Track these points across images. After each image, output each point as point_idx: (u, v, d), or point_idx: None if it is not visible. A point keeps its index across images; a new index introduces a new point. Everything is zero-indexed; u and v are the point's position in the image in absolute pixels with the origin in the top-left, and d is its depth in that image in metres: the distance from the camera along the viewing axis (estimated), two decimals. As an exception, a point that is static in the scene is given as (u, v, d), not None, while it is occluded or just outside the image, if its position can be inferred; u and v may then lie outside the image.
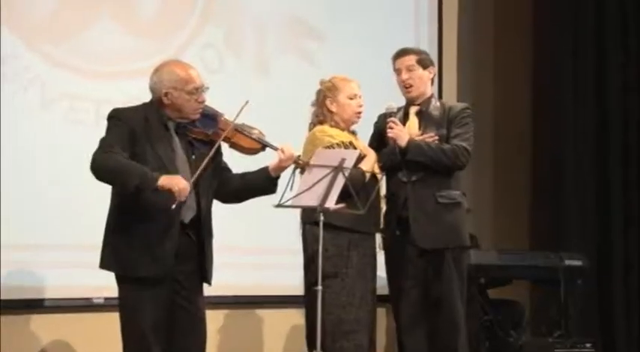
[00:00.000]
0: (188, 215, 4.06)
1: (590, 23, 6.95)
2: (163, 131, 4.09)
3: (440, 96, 6.30)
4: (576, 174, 6.83)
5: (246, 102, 4.12)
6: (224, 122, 4.19)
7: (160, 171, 3.94)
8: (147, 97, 4.18)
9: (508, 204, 7.15)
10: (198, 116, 4.14)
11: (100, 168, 3.93)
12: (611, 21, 6.93)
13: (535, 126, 7.30)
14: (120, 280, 4.07)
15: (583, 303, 6.52)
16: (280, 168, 4.26)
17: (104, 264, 4.07)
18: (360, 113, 4.80)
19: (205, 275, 4.16)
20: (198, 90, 4.11)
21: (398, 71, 4.92)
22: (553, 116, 7.02)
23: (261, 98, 5.48)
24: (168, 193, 3.87)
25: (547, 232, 6.97)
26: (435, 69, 5.04)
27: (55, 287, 5.27)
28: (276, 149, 4.26)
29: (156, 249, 3.97)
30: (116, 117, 4.05)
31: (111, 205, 4.10)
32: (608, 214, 6.81)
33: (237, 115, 4.13)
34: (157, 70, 4.16)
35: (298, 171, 4.35)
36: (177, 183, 3.89)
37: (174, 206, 3.90)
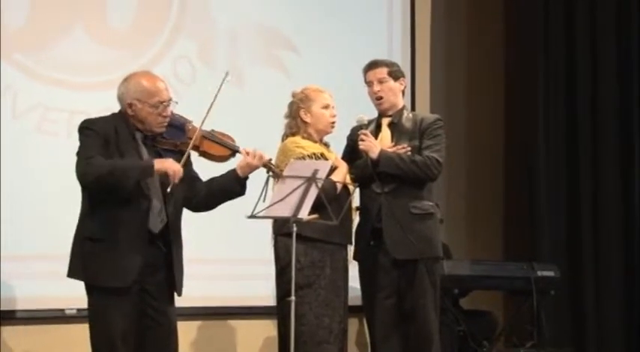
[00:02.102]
0: (157, 225, 4.05)
1: (560, 34, 7.00)
2: (131, 141, 4.08)
3: (413, 108, 6.33)
4: (548, 185, 6.87)
5: (227, 73, 4.14)
6: (192, 130, 4.18)
7: None
8: (118, 108, 4.18)
9: (481, 214, 7.18)
10: (162, 130, 4.13)
11: (95, 177, 3.90)
12: (580, 32, 6.99)
13: (507, 137, 7.36)
14: (88, 289, 4.05)
15: (556, 314, 6.57)
16: (247, 167, 4.24)
17: (72, 273, 4.06)
18: (334, 123, 4.82)
19: (175, 286, 4.14)
20: (163, 103, 4.09)
21: (369, 83, 4.93)
22: (525, 127, 7.07)
23: (234, 109, 5.50)
24: (164, 176, 3.94)
25: (520, 243, 7.01)
26: (406, 80, 5.07)
27: (27, 298, 5.24)
28: (246, 153, 4.26)
29: (124, 258, 3.96)
30: (87, 128, 4.04)
31: (81, 214, 4.08)
32: (579, 226, 6.84)
33: (202, 122, 4.13)
34: (125, 80, 4.16)
35: (271, 176, 4.35)
36: (171, 166, 3.95)
37: (169, 189, 3.97)
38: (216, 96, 4.13)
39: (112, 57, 5.54)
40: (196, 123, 4.18)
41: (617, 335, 6.74)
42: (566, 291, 6.65)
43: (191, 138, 4.13)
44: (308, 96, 4.81)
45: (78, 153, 4.00)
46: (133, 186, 3.94)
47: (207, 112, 4.11)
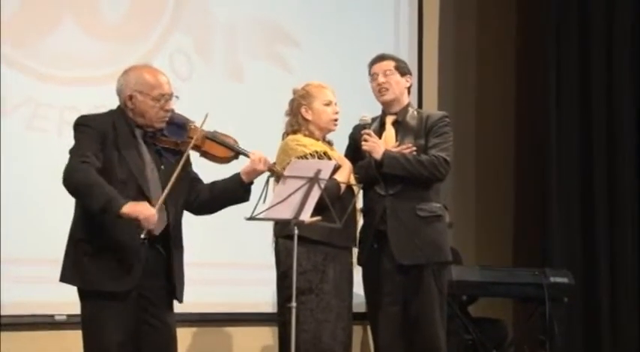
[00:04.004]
0: (158, 227, 4.02)
1: (574, 33, 7.01)
2: (131, 139, 4.07)
3: (420, 106, 6.34)
4: (561, 186, 6.87)
5: (207, 114, 4.11)
6: (193, 130, 4.18)
7: (129, 181, 3.96)
8: (113, 104, 4.17)
9: (491, 218, 7.19)
10: (163, 125, 4.12)
11: (69, 182, 3.88)
12: (596, 31, 6.99)
13: (518, 137, 7.37)
14: (82, 295, 4.02)
15: (569, 323, 6.57)
16: (253, 172, 4.24)
17: (65, 277, 4.03)
18: (336, 120, 4.83)
19: (175, 292, 4.12)
20: (165, 97, 4.09)
21: (374, 76, 4.94)
22: (537, 129, 7.07)
23: (233, 105, 5.52)
24: (135, 222, 3.84)
25: (531, 248, 7.01)
26: (412, 79, 5.06)
27: (14, 304, 5.22)
28: (249, 156, 4.25)
29: (123, 262, 3.94)
30: (84, 124, 4.02)
31: (75, 215, 4.06)
32: (593, 230, 6.85)
33: (203, 123, 4.13)
34: (125, 72, 4.16)
35: (273, 180, 4.35)
36: (143, 210, 3.84)
37: (143, 235, 3.89)
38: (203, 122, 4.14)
39: (104, 51, 5.54)
40: (198, 124, 4.18)
41: (634, 345, 6.74)
42: (580, 299, 6.66)
43: (192, 138, 4.13)
44: (309, 92, 4.82)
45: (71, 151, 3.98)
46: (96, 212, 3.87)
47: (205, 117, 4.11)
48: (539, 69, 7.08)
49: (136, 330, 4.03)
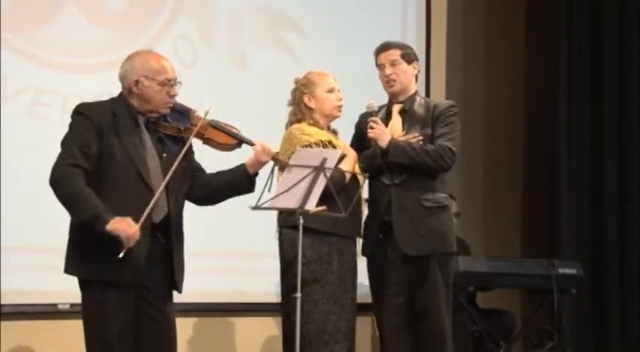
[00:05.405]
0: (159, 215, 4.04)
1: (585, 20, 7.00)
2: (133, 126, 4.07)
3: (427, 95, 6.35)
4: (570, 176, 6.88)
5: (209, 107, 4.15)
6: (197, 117, 4.19)
7: (130, 167, 3.97)
8: (116, 91, 4.18)
9: (499, 208, 7.20)
10: (168, 111, 4.14)
11: (55, 189, 3.92)
12: (607, 17, 6.99)
13: (528, 126, 7.37)
14: (83, 284, 4.04)
15: (577, 314, 6.60)
16: (258, 163, 4.25)
17: (69, 269, 4.04)
18: (340, 107, 4.83)
19: (175, 282, 4.14)
20: (170, 82, 4.10)
21: (381, 66, 4.93)
22: (547, 117, 7.07)
23: (238, 93, 5.54)
24: (116, 238, 3.85)
25: (540, 239, 7.03)
26: (419, 65, 5.07)
27: (17, 292, 5.25)
28: (252, 144, 4.26)
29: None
30: (80, 113, 4.03)
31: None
32: (603, 221, 6.85)
33: (206, 114, 4.15)
34: (129, 58, 4.16)
35: (277, 169, 4.36)
36: (126, 229, 3.85)
37: (121, 255, 3.88)
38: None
39: (107, 37, 5.55)
40: (200, 113, 4.19)
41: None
42: (589, 290, 6.67)
43: (196, 125, 4.15)
44: (311, 80, 4.82)
45: (62, 143, 4.00)
46: (77, 224, 3.92)
47: (207, 110, 4.15)
48: (550, 55, 7.08)
49: (136, 320, 4.05)
